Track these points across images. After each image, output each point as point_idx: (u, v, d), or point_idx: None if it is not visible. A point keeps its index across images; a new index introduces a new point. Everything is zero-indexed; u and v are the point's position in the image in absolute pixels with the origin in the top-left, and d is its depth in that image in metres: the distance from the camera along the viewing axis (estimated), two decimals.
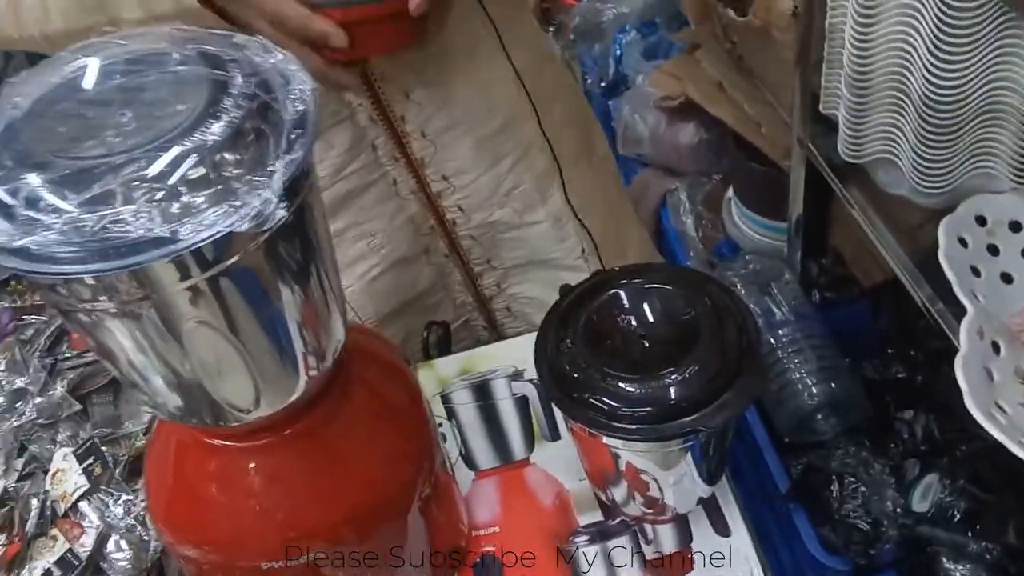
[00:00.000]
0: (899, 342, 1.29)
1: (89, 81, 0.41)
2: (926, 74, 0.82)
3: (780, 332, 1.25)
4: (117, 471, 1.07)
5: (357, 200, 0.82)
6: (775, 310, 1.28)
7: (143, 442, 1.15)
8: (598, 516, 0.73)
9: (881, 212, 1.06)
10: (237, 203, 0.37)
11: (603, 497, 0.71)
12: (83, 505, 1.03)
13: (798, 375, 1.23)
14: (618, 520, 0.72)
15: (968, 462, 1.08)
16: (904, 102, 0.89)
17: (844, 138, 0.98)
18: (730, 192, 1.61)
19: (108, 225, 0.36)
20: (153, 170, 0.37)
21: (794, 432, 1.21)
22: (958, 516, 1.08)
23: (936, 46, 0.80)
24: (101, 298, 0.41)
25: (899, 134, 0.92)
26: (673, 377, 0.56)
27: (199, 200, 0.37)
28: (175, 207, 0.37)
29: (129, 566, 1.01)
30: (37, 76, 0.42)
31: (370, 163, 0.81)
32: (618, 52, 1.87)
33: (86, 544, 0.99)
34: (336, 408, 0.57)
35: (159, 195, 0.37)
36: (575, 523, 0.72)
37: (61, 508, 1.02)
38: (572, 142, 0.91)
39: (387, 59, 0.74)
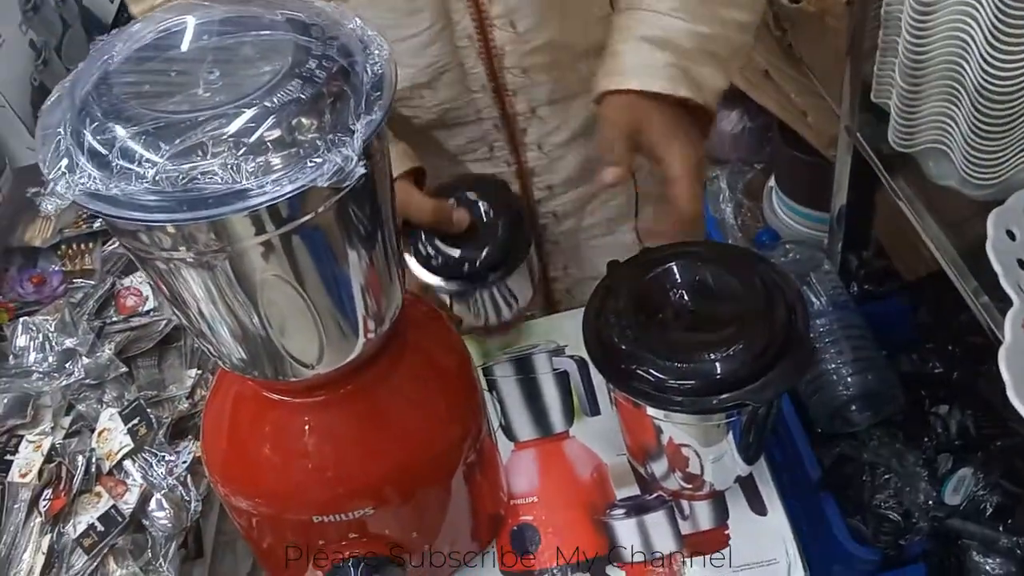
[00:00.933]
0: (937, 337, 1.28)
1: (184, 40, 0.42)
2: (983, 64, 0.82)
3: (817, 322, 1.25)
4: (160, 432, 1.10)
5: None
6: (813, 300, 1.27)
7: (186, 405, 1.17)
8: (635, 491, 0.73)
9: (928, 204, 1.05)
10: (319, 160, 0.39)
11: (642, 471, 0.72)
12: (127, 464, 1.05)
13: (833, 366, 1.23)
14: (655, 495, 0.72)
15: (1003, 457, 1.08)
16: (959, 91, 0.88)
17: (895, 127, 0.97)
18: (771, 181, 1.61)
19: (197, 176, 0.38)
20: (238, 126, 0.39)
21: (828, 422, 1.21)
22: (990, 510, 1.07)
23: (994, 36, 0.79)
24: (180, 247, 0.42)
25: (951, 124, 0.92)
26: (720, 352, 0.57)
27: (282, 156, 0.39)
28: (259, 162, 0.38)
29: (169, 525, 1.04)
30: (131, 32, 0.44)
31: (484, 160, 0.84)
32: None
33: (129, 501, 1.02)
34: (389, 370, 0.58)
35: (244, 150, 0.38)
36: (612, 496, 0.73)
37: (106, 466, 1.05)
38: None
39: (521, 78, 0.76)
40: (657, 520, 0.71)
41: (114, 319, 1.27)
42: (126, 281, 1.34)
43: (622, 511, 0.72)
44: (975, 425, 1.14)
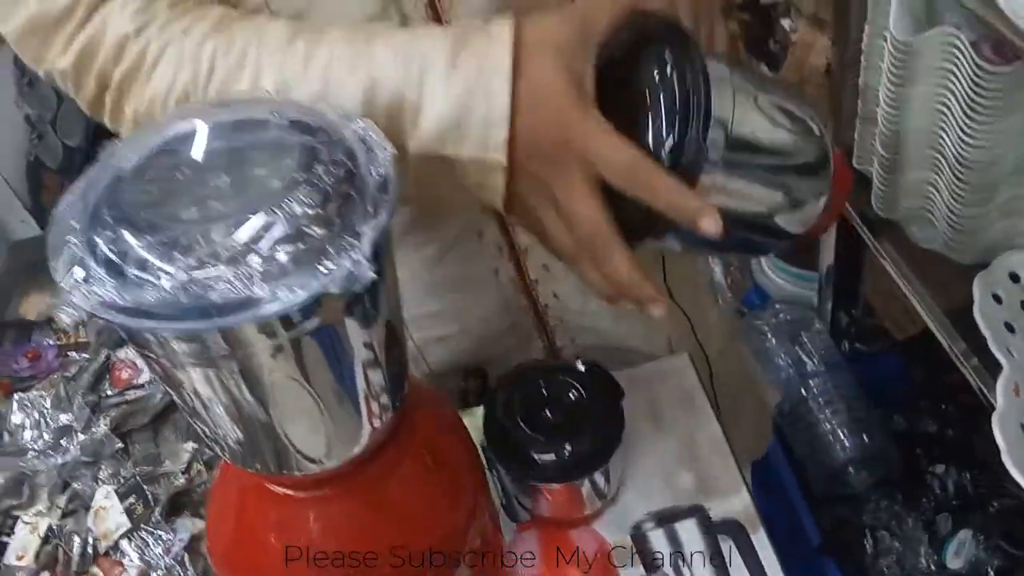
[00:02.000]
0: (930, 395, 1.29)
1: (197, 146, 0.44)
2: (960, 135, 0.85)
3: (811, 383, 1.26)
4: (157, 510, 1.09)
5: (454, 284, 0.81)
6: (806, 360, 1.29)
7: (182, 481, 1.16)
8: (640, 570, 0.73)
9: (914, 266, 1.07)
10: (330, 265, 0.40)
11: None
12: (124, 544, 1.05)
13: (829, 427, 1.24)
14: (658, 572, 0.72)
15: (1002, 518, 1.08)
16: (939, 160, 0.91)
17: (878, 194, 1.00)
18: None
19: (211, 286, 0.39)
20: (249, 234, 0.40)
21: (826, 485, 1.21)
22: (992, 574, 1.07)
23: (971, 107, 0.82)
24: (188, 351, 0.43)
25: (933, 191, 0.94)
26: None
27: (293, 262, 0.40)
28: (271, 270, 0.39)
29: None
30: (143, 136, 0.45)
31: (473, 250, 0.78)
32: None
33: None
34: (394, 459, 0.59)
35: (255, 258, 0.39)
36: None
37: (103, 546, 1.04)
38: None
39: None
40: None
41: (109, 393, 1.27)
42: (120, 353, 1.34)
43: None
44: (972, 484, 1.14)
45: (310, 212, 0.41)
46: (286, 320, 0.42)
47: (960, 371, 0.97)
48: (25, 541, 1.02)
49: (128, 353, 1.35)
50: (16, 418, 1.18)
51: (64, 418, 1.17)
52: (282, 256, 0.40)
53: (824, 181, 0.57)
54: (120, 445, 1.17)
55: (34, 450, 1.14)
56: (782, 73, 1.26)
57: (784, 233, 0.58)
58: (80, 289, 0.40)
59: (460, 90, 0.51)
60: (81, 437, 1.15)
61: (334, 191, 0.42)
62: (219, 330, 0.40)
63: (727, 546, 0.70)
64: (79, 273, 0.40)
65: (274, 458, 0.52)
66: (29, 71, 1.44)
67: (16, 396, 1.20)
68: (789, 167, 0.56)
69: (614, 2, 0.53)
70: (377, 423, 0.53)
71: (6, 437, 1.17)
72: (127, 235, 0.41)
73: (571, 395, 0.72)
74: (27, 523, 1.04)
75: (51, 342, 1.33)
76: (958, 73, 0.83)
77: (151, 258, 0.40)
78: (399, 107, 0.52)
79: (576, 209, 0.51)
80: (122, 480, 1.12)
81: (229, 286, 0.39)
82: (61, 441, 1.14)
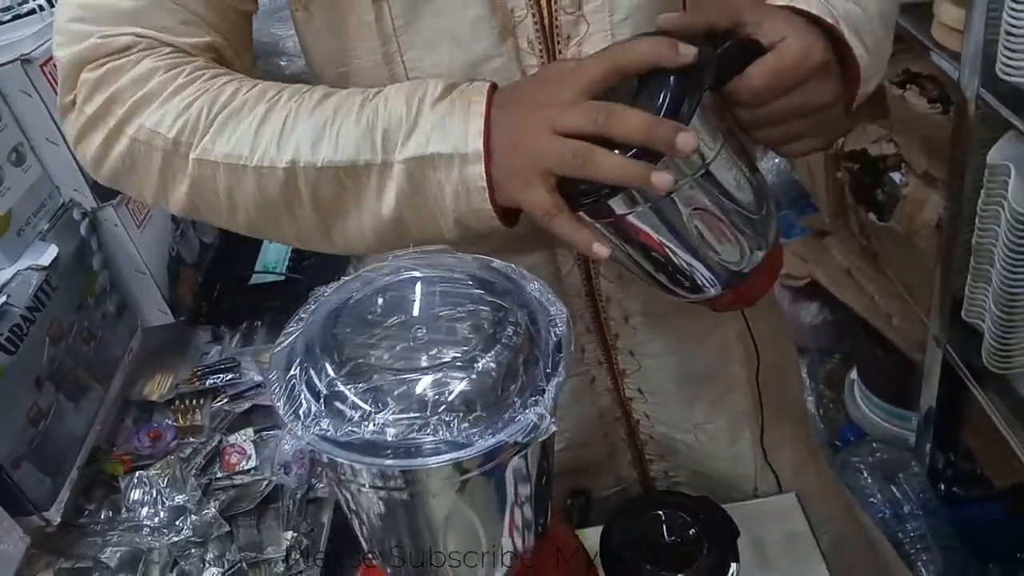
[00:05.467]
0: None
1: (414, 303, 0.50)
2: None
3: (908, 526, 1.24)
4: None
5: None
6: (903, 502, 1.27)
7: (281, 568, 1.21)
8: None
9: (1020, 417, 1.07)
10: (517, 417, 0.45)
11: None
12: None
13: (926, 572, 1.22)
14: None
15: None
16: None
17: (989, 349, 1.01)
18: (853, 374, 1.64)
19: (415, 429, 0.44)
20: (452, 387, 0.45)
21: None
22: None
23: None
24: (378, 482, 0.48)
25: None
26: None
27: (486, 414, 0.45)
28: (470, 419, 0.44)
29: None
30: (353, 283, 0.52)
31: (575, 360, 0.81)
32: None
33: None
34: None
35: (455, 409, 0.45)
36: None
37: None
38: (776, 385, 0.90)
39: (618, 288, 0.76)
40: None
41: (219, 475, 1.34)
42: (231, 438, 1.41)
43: None
44: None
45: (501, 371, 0.47)
46: (469, 461, 0.47)
47: None
48: None
49: (238, 438, 1.42)
50: (135, 494, 1.25)
51: (179, 499, 1.23)
52: (477, 408, 0.45)
53: (765, 242, 0.63)
54: (227, 528, 1.22)
55: (149, 527, 1.20)
56: (891, 223, 1.30)
57: (715, 271, 0.62)
58: (301, 423, 0.45)
59: (446, 107, 0.57)
60: (193, 518, 1.21)
61: (520, 353, 0.48)
62: (420, 468, 0.45)
63: None
64: (300, 408, 0.46)
65: None
66: None
67: (137, 474, 1.27)
68: (742, 216, 0.61)
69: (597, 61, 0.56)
70: (524, 552, 0.57)
71: (123, 512, 1.23)
72: (346, 381, 0.47)
73: (689, 530, 0.74)
74: None
75: (170, 422, 1.41)
76: None
77: (366, 403, 0.45)
78: (398, 126, 0.58)
79: (567, 117, 0.54)
80: (227, 563, 1.17)
81: (431, 431, 0.44)
82: (175, 521, 1.20)
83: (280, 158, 0.59)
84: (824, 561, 0.82)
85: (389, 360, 0.48)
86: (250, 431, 1.42)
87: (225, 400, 1.49)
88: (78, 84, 0.63)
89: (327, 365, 0.48)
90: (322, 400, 0.46)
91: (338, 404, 0.46)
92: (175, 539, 1.18)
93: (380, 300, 0.51)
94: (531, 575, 0.62)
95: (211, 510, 1.24)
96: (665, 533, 0.75)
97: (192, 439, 1.39)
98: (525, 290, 0.52)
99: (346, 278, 0.54)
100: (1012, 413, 1.07)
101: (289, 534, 1.28)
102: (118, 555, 1.14)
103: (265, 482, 1.35)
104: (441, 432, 0.44)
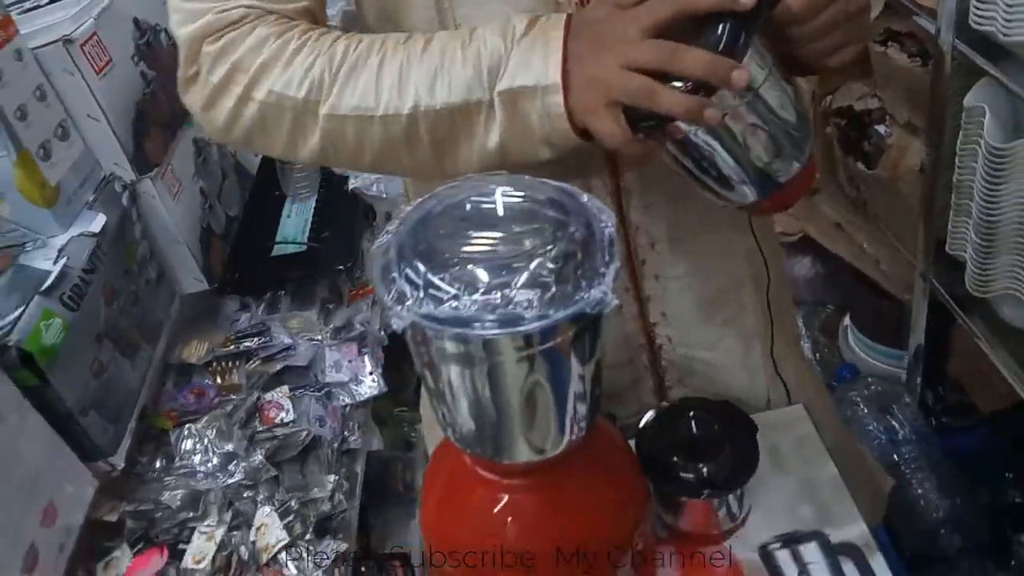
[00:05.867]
0: (1017, 467, 1.36)
1: (496, 205, 0.59)
2: None
3: (903, 450, 1.35)
4: (309, 530, 1.23)
5: None
6: (897, 429, 1.38)
7: (327, 507, 1.30)
8: None
9: (1003, 342, 1.17)
10: (584, 295, 0.55)
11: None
12: (282, 556, 1.18)
13: (921, 491, 1.32)
14: None
15: None
16: None
17: (972, 275, 1.11)
18: (846, 320, 1.74)
19: (502, 305, 0.54)
20: (530, 271, 0.55)
21: (919, 547, 1.28)
22: None
23: None
24: (459, 353, 0.57)
25: (1023, 273, 1.06)
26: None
27: (558, 294, 0.55)
28: (548, 295, 0.54)
29: None
30: (444, 195, 0.61)
31: None
32: None
33: None
34: (580, 466, 0.71)
35: (536, 287, 0.54)
36: None
37: (263, 558, 1.18)
38: (780, 299, 0.98)
39: (647, 216, 0.84)
40: None
41: (260, 429, 1.43)
42: (268, 396, 1.50)
43: None
44: None
45: (566, 258, 0.56)
46: (541, 335, 0.56)
47: None
48: (203, 548, 1.16)
49: (275, 395, 1.51)
50: (186, 444, 1.34)
51: (228, 446, 1.32)
52: (553, 287, 0.55)
53: (802, 156, 0.72)
54: (274, 473, 1.31)
55: (203, 472, 1.29)
56: (878, 170, 1.40)
57: (759, 179, 0.71)
58: (404, 306, 0.55)
59: (528, 42, 0.65)
60: (243, 463, 1.30)
61: (582, 245, 0.57)
62: (508, 335, 0.54)
63: (848, 566, 0.81)
64: (402, 294, 0.56)
65: (494, 446, 0.65)
66: (204, 150, 1.66)
67: (186, 426, 1.36)
68: (784, 133, 0.70)
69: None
70: (577, 431, 0.67)
71: (177, 460, 1.32)
72: (429, 269, 0.56)
73: (713, 427, 0.84)
74: (203, 532, 1.19)
75: (210, 382, 1.50)
76: None
77: (456, 287, 0.55)
78: (497, 64, 0.65)
79: (636, 54, 0.61)
80: (278, 503, 1.26)
81: (515, 306, 0.54)
82: (228, 466, 1.29)
83: (403, 105, 0.67)
84: (832, 461, 0.92)
85: (473, 255, 0.57)
86: (285, 388, 1.52)
87: (258, 362, 1.58)
88: (200, 57, 0.70)
89: (418, 261, 0.57)
90: (419, 288, 0.56)
91: (432, 291, 0.56)
92: (228, 482, 1.28)
93: (459, 211, 0.61)
94: (581, 462, 0.72)
95: (258, 457, 1.33)
96: (693, 431, 0.85)
97: (232, 396, 1.49)
98: (580, 199, 0.62)
99: (423, 197, 0.63)
100: (993, 334, 1.17)
101: (332, 477, 1.38)
102: (178, 497, 1.24)
103: (304, 433, 1.44)
104: (521, 308, 0.54)
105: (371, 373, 1.58)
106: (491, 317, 0.54)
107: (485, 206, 0.61)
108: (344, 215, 1.80)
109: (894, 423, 1.38)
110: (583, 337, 0.60)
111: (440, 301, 0.55)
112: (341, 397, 1.55)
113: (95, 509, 1.20)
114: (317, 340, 1.60)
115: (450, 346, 0.58)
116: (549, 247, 0.57)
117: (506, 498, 0.70)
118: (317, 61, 0.69)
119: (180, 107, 0.76)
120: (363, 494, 1.48)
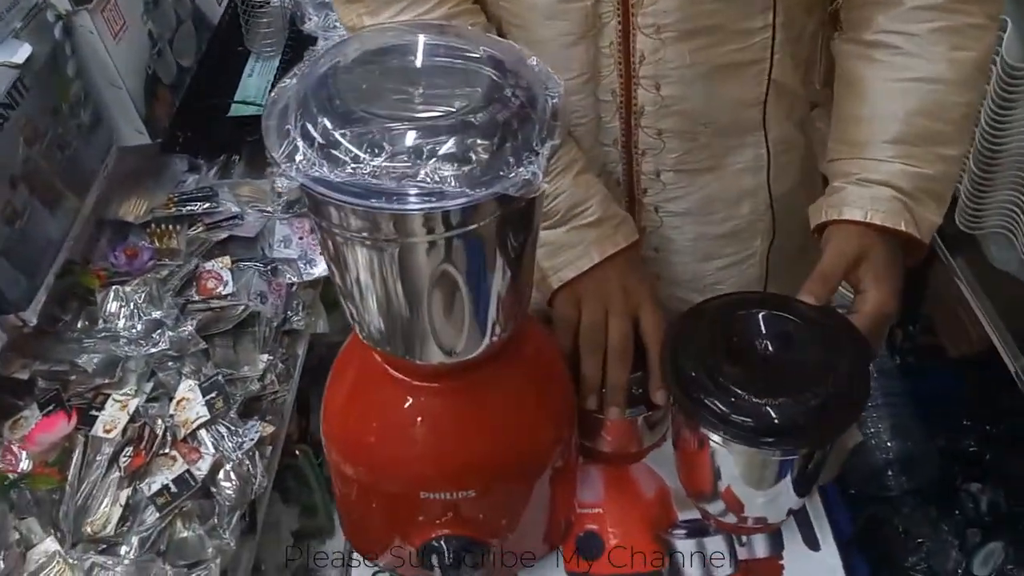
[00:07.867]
0: (976, 416, 1.32)
1: (416, 54, 0.49)
2: None
3: None
4: (234, 408, 1.16)
5: None
6: None
7: (256, 387, 1.24)
8: (696, 515, 0.78)
9: (984, 284, 1.10)
10: (510, 174, 0.45)
11: (701, 511, 0.76)
12: (201, 433, 1.12)
13: (873, 429, 1.28)
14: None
15: None
16: None
17: (964, 209, 1.03)
18: None
19: (407, 176, 0.44)
20: (446, 139, 0.46)
21: (862, 484, 1.25)
22: None
23: None
24: (364, 231, 0.49)
25: (1019, 212, 0.98)
26: (782, 399, 0.60)
27: (480, 167, 0.45)
28: (463, 171, 0.45)
29: (234, 495, 1.10)
30: (361, 40, 0.51)
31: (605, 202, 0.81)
32: None
33: (202, 468, 1.08)
34: (499, 371, 0.64)
35: (448, 159, 0.45)
36: (675, 516, 0.78)
37: (181, 433, 1.12)
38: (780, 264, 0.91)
39: (658, 141, 0.77)
40: (716, 543, 0.76)
41: (195, 299, 1.35)
42: (208, 264, 1.41)
43: (683, 531, 0.77)
44: (1007, 503, 1.18)
45: (498, 127, 0.47)
46: (453, 216, 0.47)
47: (1009, 395, 1.01)
48: (115, 416, 1.10)
49: (215, 265, 1.42)
50: (111, 307, 1.26)
51: (156, 314, 1.24)
52: (471, 160, 0.46)
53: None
54: (204, 346, 1.24)
55: (126, 338, 1.22)
56: None
57: None
58: (295, 165, 0.46)
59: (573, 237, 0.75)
60: (170, 333, 1.23)
61: (518, 113, 0.48)
62: (410, 214, 0.45)
63: None
64: (293, 151, 0.46)
65: (404, 342, 0.57)
66: None
67: (113, 288, 1.27)
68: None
69: None
70: (499, 331, 0.59)
71: (100, 323, 1.24)
72: (330, 125, 0.47)
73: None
74: (118, 400, 1.12)
75: (146, 244, 1.41)
76: None
77: (360, 149, 0.45)
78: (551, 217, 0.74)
79: (620, 324, 0.73)
80: (204, 377, 1.19)
81: (423, 180, 0.45)
82: (152, 334, 1.21)
83: None
84: None
85: (386, 112, 0.47)
86: (227, 259, 1.43)
87: (201, 228, 1.48)
88: None
89: (323, 115, 0.47)
90: (316, 146, 0.46)
91: (332, 151, 0.46)
92: (152, 351, 1.20)
93: (379, 59, 0.51)
94: (502, 367, 0.64)
95: (188, 327, 1.25)
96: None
97: (168, 261, 1.40)
98: (527, 62, 0.52)
99: (345, 37, 0.53)
100: (976, 278, 1.10)
101: (265, 356, 1.31)
102: (95, 360, 1.16)
103: (241, 307, 1.36)
104: (433, 180, 0.45)
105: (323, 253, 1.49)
106: (395, 188, 0.45)
107: (410, 58, 0.51)
108: None
109: None
110: (509, 224, 0.51)
111: (337, 163, 0.45)
112: (288, 275, 1.46)
113: (4, 365, 1.13)
114: (268, 212, 1.50)
115: (353, 221, 0.49)
116: (478, 112, 0.47)
117: (412, 400, 0.63)
118: None
119: None
120: (305, 378, 1.41)
